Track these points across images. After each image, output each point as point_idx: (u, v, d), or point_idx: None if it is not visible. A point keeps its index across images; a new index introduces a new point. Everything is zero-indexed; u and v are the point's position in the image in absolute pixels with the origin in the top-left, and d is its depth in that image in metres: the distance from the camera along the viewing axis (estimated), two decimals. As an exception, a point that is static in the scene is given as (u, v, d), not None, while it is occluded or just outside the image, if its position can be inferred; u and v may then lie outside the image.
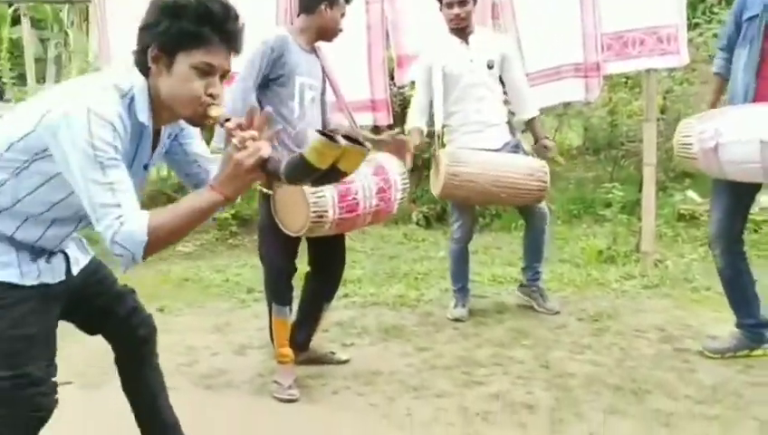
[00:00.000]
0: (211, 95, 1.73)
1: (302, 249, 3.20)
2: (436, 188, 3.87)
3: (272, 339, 3.17)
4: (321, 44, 3.17)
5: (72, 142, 1.63)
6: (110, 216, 1.63)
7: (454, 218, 4.10)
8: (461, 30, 3.90)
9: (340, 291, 4.52)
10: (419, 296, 4.41)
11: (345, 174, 1.73)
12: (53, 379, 1.87)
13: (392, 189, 3.04)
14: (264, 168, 1.67)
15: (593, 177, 7.74)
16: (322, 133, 1.65)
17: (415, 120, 3.96)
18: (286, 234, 2.94)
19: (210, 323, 3.99)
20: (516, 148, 4.00)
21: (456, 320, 3.93)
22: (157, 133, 1.85)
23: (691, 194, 6.15)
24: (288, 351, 3.06)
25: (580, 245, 5.44)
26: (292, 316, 3.19)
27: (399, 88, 5.61)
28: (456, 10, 3.84)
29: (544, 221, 4.03)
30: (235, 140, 1.67)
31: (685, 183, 6.47)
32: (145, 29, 1.73)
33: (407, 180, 3.15)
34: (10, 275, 1.79)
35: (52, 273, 1.89)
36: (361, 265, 5.20)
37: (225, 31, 1.71)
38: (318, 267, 3.29)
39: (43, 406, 1.83)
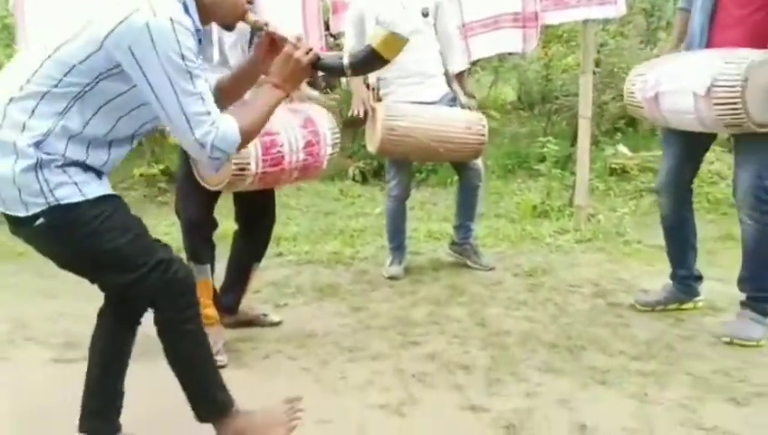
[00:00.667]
0: (249, 1, 1.86)
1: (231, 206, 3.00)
2: (372, 143, 3.69)
3: None
4: None
5: (159, 53, 1.64)
6: (205, 123, 1.72)
7: (390, 175, 3.93)
8: None
9: (275, 249, 4.38)
10: (355, 254, 4.26)
11: (387, 62, 1.96)
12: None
13: (321, 143, 2.83)
14: (315, 64, 1.89)
15: (528, 131, 7.69)
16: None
17: None
18: (205, 187, 2.71)
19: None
20: (453, 101, 3.82)
21: (392, 278, 3.80)
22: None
23: (622, 148, 6.13)
24: (212, 312, 2.85)
25: (515, 200, 5.37)
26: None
27: (335, 36, 5.36)
28: None
29: (479, 178, 3.90)
30: (289, 40, 1.87)
31: (616, 137, 6.46)
32: None
33: (338, 134, 2.95)
34: (97, 189, 1.79)
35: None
36: (296, 221, 5.02)
37: None
38: (246, 225, 3.08)
39: (187, 274, 1.92)
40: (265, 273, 3.90)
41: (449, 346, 2.90)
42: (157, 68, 1.65)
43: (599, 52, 6.33)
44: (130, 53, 1.64)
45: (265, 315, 3.19)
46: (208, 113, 1.73)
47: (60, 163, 1.72)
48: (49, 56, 1.69)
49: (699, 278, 3.21)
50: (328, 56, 1.95)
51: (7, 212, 1.77)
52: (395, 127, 3.52)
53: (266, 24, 1.91)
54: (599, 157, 6.03)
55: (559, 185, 5.54)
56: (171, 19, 1.65)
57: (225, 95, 2.04)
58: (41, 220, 1.74)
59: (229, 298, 3.07)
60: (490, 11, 4.44)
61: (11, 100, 1.70)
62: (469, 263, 3.99)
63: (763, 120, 2.64)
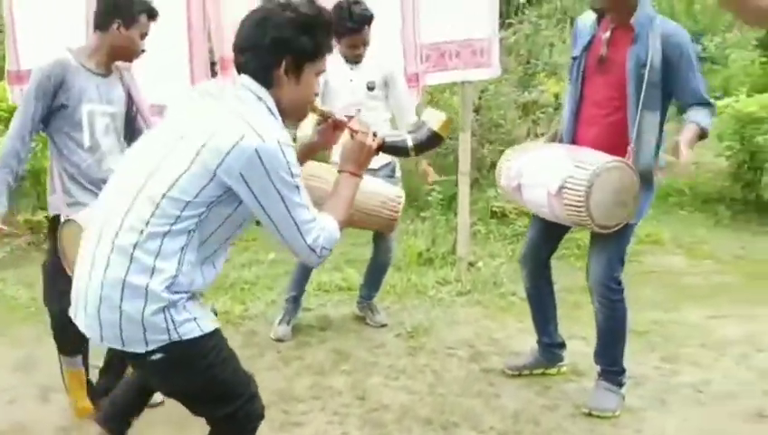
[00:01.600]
0: (315, 93, 1.94)
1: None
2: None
3: (66, 390, 2.85)
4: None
5: (271, 177, 1.72)
6: (314, 229, 1.81)
7: None
8: (356, 59, 3.77)
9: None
10: (244, 312, 4.21)
11: (444, 141, 2.23)
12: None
13: None
14: (381, 147, 2.07)
15: (417, 166, 7.78)
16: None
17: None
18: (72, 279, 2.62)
19: (11, 357, 3.55)
20: (392, 171, 3.93)
21: (279, 340, 3.79)
22: None
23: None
24: (86, 404, 2.75)
25: (402, 245, 5.44)
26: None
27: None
28: (359, 51, 3.72)
29: (389, 258, 4.04)
30: (359, 129, 2.02)
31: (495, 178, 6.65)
32: (277, 43, 1.79)
33: None
34: (210, 323, 1.85)
35: None
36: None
37: (332, 37, 1.93)
38: None
39: (261, 408, 2.01)
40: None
41: (329, 426, 2.92)
42: (269, 190, 1.74)
43: (480, 98, 6.53)
44: (242, 179, 1.71)
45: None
46: (314, 219, 1.82)
47: (185, 299, 1.77)
48: (164, 195, 1.71)
49: (562, 345, 3.37)
50: (391, 138, 2.13)
51: (125, 350, 1.80)
52: (310, 187, 3.51)
53: (333, 114, 2.07)
54: (481, 198, 6.21)
55: (445, 227, 5.67)
56: (278, 141, 1.73)
57: None
58: (159, 355, 1.78)
59: (104, 383, 2.93)
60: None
61: (136, 245, 1.71)
62: (368, 320, 4.08)
63: (606, 222, 2.77)
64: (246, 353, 3.61)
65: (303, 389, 3.24)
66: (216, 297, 4.42)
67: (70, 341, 2.74)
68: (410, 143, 2.15)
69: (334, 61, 3.80)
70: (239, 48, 1.85)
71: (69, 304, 2.64)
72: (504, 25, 6.78)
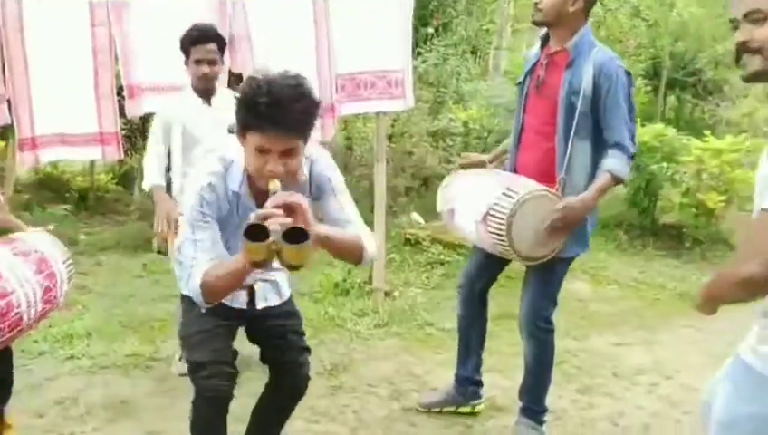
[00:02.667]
0: (270, 171, 1.87)
1: None
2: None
3: None
4: None
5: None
6: (188, 266, 2.01)
7: None
8: (205, 90, 3.43)
9: (66, 350, 3.91)
10: (154, 353, 3.91)
11: (295, 267, 1.86)
12: (225, 368, 2.28)
13: (58, 285, 2.48)
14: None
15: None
16: (252, 227, 1.76)
17: (154, 176, 3.44)
18: None
19: None
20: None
21: (183, 375, 3.51)
22: (265, 194, 1.87)
23: (415, 216, 6.28)
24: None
25: (318, 276, 5.26)
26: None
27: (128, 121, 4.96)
28: (204, 69, 3.35)
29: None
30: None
31: (410, 205, 6.60)
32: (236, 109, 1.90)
33: (71, 265, 2.65)
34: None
35: (231, 300, 2.25)
36: (92, 310, 4.52)
37: (275, 118, 1.80)
38: None
39: (208, 387, 2.26)
40: (54, 385, 3.46)
41: (246, 483, 2.70)
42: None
43: (393, 126, 6.47)
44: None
45: None
46: (194, 259, 1.97)
47: None
48: None
49: (478, 383, 3.23)
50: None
51: None
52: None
53: (274, 192, 1.87)
54: (394, 225, 6.12)
55: (359, 255, 5.54)
56: (201, 186, 2.01)
57: None
58: None
59: None
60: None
61: None
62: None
63: (530, 253, 2.69)
64: (156, 402, 3.35)
65: (220, 439, 2.99)
66: (123, 338, 4.10)
67: None
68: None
69: (192, 105, 3.44)
70: None
71: None
72: (414, 54, 6.77)
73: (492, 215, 2.67)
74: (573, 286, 5.29)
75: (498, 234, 2.65)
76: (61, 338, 4.04)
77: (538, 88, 2.81)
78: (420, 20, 7.58)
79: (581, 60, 2.68)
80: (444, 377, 3.59)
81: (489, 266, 3.07)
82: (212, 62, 3.36)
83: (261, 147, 1.85)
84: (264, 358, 2.49)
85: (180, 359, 3.60)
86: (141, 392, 3.44)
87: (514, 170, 2.92)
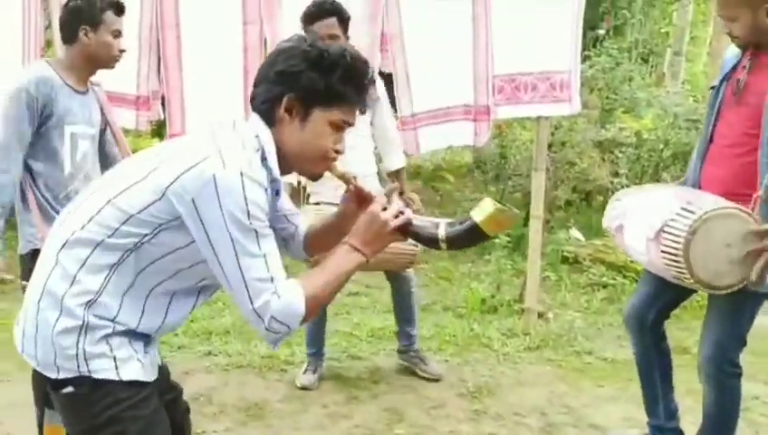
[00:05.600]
0: (337, 151, 1.64)
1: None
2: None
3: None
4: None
5: (224, 211, 1.44)
6: (267, 291, 1.47)
7: None
8: None
9: (205, 347, 4.03)
10: (289, 357, 3.91)
11: (489, 239, 1.66)
12: None
13: None
14: (405, 229, 1.64)
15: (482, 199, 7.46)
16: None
17: None
18: None
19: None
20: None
21: (304, 388, 3.50)
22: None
23: (575, 233, 5.94)
24: None
25: (462, 291, 5.08)
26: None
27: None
28: None
29: (409, 285, 3.67)
30: (378, 201, 1.65)
31: (570, 221, 6.26)
32: (283, 76, 1.56)
33: None
34: (136, 372, 1.55)
35: (153, 366, 1.63)
36: (232, 309, 4.63)
37: (364, 92, 1.61)
38: None
39: None
40: (191, 380, 3.54)
41: (379, 505, 2.58)
42: (220, 227, 1.45)
43: (553, 134, 6.16)
44: (193, 207, 1.45)
45: None
46: (270, 280, 1.47)
47: (111, 331, 1.52)
48: (108, 201, 1.51)
49: (674, 431, 2.84)
50: (421, 222, 1.68)
51: (40, 371, 1.57)
52: None
53: (355, 178, 1.73)
54: (551, 241, 5.81)
55: (509, 272, 5.31)
56: (241, 173, 1.45)
57: (313, 246, 1.86)
58: (69, 388, 1.53)
59: None
60: (440, 102, 4.18)
61: (63, 247, 1.52)
62: (417, 371, 3.71)
63: (711, 281, 2.30)
64: (288, 408, 3.32)
65: (351, 455, 2.91)
66: (259, 340, 4.14)
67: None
68: (442, 232, 1.64)
69: None
70: (255, 81, 1.63)
71: None
72: (581, 58, 6.46)
73: (667, 232, 2.36)
74: (765, 321, 4.72)
75: (673, 254, 2.33)
76: (200, 334, 4.16)
77: (737, 94, 2.48)
78: (589, 22, 7.23)
79: None
80: (608, 414, 3.30)
81: (660, 297, 2.73)
82: (333, 37, 3.30)
83: (340, 122, 1.60)
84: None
85: (305, 372, 3.57)
86: (275, 396, 3.44)
87: (698, 186, 2.60)
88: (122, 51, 2.57)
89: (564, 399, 3.48)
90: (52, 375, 1.53)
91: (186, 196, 1.45)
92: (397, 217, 1.64)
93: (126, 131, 3.38)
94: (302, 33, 3.46)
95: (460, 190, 7.98)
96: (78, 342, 1.49)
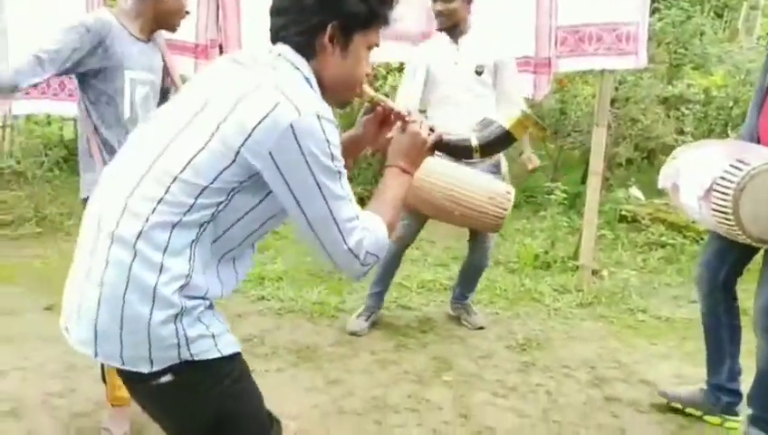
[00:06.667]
0: (368, 74, 1.61)
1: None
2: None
3: (104, 379, 2.68)
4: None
5: (307, 157, 1.39)
6: (357, 229, 1.47)
7: (403, 214, 3.69)
8: (449, 29, 3.51)
9: (258, 291, 4.15)
10: (340, 304, 4.00)
11: (515, 141, 1.83)
12: None
13: None
14: (440, 144, 1.74)
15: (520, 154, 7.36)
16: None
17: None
18: None
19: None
20: (496, 167, 3.58)
21: (354, 334, 3.59)
22: None
23: (634, 191, 5.82)
24: (124, 393, 2.59)
25: (515, 247, 5.08)
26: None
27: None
28: (438, 6, 3.45)
29: (485, 262, 3.79)
30: (411, 119, 1.69)
31: (630, 179, 6.14)
32: (323, 4, 1.49)
33: None
34: (232, 345, 1.50)
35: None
36: (284, 256, 4.75)
37: (392, 8, 1.57)
38: None
39: None
40: (244, 322, 3.67)
41: (425, 445, 2.65)
42: (304, 175, 1.40)
43: (617, 89, 6.01)
44: (271, 160, 1.38)
45: None
46: (357, 217, 1.48)
47: (202, 309, 1.45)
48: (175, 178, 1.39)
49: (735, 393, 2.80)
50: (452, 137, 1.81)
51: (125, 369, 1.45)
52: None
53: (384, 100, 1.74)
54: (609, 199, 5.72)
55: (565, 230, 5.27)
56: (318, 116, 1.39)
57: None
58: (166, 377, 1.44)
59: None
60: (501, 54, 4.12)
61: (140, 235, 1.38)
62: (462, 321, 3.81)
63: (763, 235, 2.31)
64: (338, 352, 3.41)
65: (400, 398, 2.97)
66: (310, 286, 4.25)
67: None
68: (474, 142, 1.79)
69: (438, 46, 3.57)
70: (276, 9, 1.54)
71: None
72: (650, 10, 6.25)
73: (716, 190, 2.33)
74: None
75: (723, 212, 2.32)
76: (253, 279, 4.28)
77: None
78: (660, -28, 6.97)
79: None
80: (659, 370, 3.29)
81: (730, 252, 2.68)
82: None
83: (375, 45, 1.58)
84: None
85: (358, 316, 3.65)
86: (325, 341, 3.53)
87: (756, 138, 2.54)
88: (187, 12, 2.61)
89: (615, 354, 3.48)
90: (145, 369, 1.43)
91: (262, 150, 1.38)
92: (430, 134, 1.70)
93: (183, 80, 3.46)
94: None
95: (516, 149, 7.89)
96: (177, 330, 1.42)
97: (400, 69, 5.51)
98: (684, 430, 2.80)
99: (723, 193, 2.32)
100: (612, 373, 3.27)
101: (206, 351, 1.44)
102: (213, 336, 1.45)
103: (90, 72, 2.43)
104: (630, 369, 3.32)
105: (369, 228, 1.50)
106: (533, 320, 3.91)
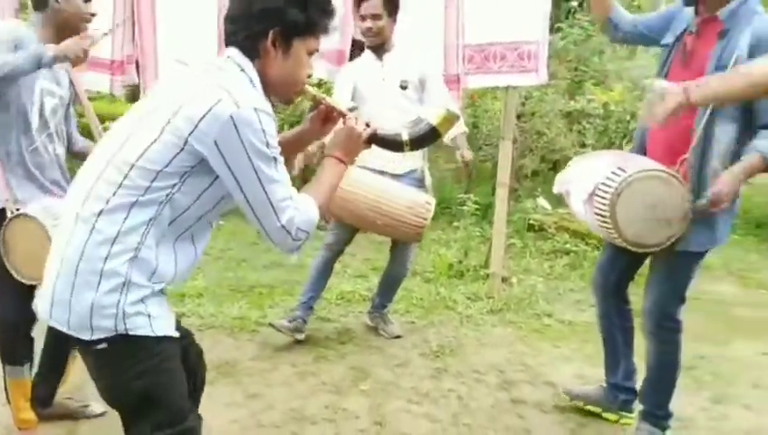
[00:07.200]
0: (309, 75, 1.84)
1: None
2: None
3: (8, 401, 2.69)
4: None
5: (245, 144, 1.61)
6: (290, 208, 1.69)
7: (331, 224, 3.78)
8: (375, 47, 3.64)
9: (179, 308, 4.15)
10: (261, 318, 4.06)
11: (441, 137, 2.10)
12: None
13: None
14: (373, 138, 1.98)
15: (452, 173, 7.59)
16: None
17: None
18: (19, 281, 2.46)
19: None
20: (420, 181, 3.72)
21: (272, 325, 3.72)
22: None
23: (541, 202, 6.11)
24: (30, 415, 2.62)
25: (431, 256, 5.26)
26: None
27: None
28: (367, 23, 3.57)
29: (404, 271, 3.92)
30: (349, 115, 1.96)
31: (537, 189, 6.43)
32: (265, 13, 1.71)
33: None
34: (167, 327, 1.68)
35: (173, 320, 1.75)
36: (205, 272, 4.77)
37: (331, 19, 1.80)
38: None
39: None
40: (163, 340, 3.68)
41: (342, 454, 2.75)
42: (243, 160, 1.62)
43: (523, 104, 6.30)
44: (215, 147, 1.61)
45: (86, 406, 2.85)
46: (290, 197, 1.71)
47: (147, 292, 1.63)
48: (132, 166, 1.61)
49: (630, 392, 2.98)
50: (385, 131, 2.05)
51: (70, 334, 1.65)
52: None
53: (324, 98, 1.97)
54: (518, 209, 5.98)
55: (477, 239, 5.49)
56: (255, 109, 1.62)
57: None
58: (102, 345, 1.64)
59: (43, 391, 2.74)
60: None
61: (100, 214, 1.61)
62: (379, 330, 3.94)
63: (639, 240, 2.49)
64: (258, 366, 3.47)
65: (317, 409, 3.07)
66: (231, 301, 4.30)
67: (16, 349, 2.63)
68: (405, 137, 2.04)
69: (364, 63, 3.69)
70: (230, 17, 1.77)
71: (17, 308, 2.50)
72: (552, 29, 6.56)
73: (598, 195, 2.53)
74: (717, 288, 4.97)
75: (602, 215, 2.51)
76: (174, 296, 4.28)
77: (684, 59, 2.61)
78: (562, -5, 7.33)
79: (737, 30, 2.45)
80: (562, 372, 3.50)
81: (620, 259, 2.87)
82: (375, 17, 3.57)
83: (314, 49, 1.81)
84: None
85: (285, 319, 3.73)
86: (245, 355, 3.59)
87: (642, 147, 2.75)
88: (93, 14, 2.62)
89: (522, 358, 3.68)
90: (86, 337, 1.62)
91: (208, 139, 1.59)
92: (365, 129, 1.95)
93: (101, 96, 3.47)
94: None
95: (432, 162, 8.10)
96: (119, 301, 1.60)
97: (319, 85, 5.62)
98: (583, 428, 3.01)
99: (602, 198, 2.49)
100: (519, 376, 3.47)
101: (140, 327, 1.62)
102: (149, 316, 1.63)
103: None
104: (536, 371, 3.53)
105: (300, 208, 1.72)
106: (447, 327, 4.08)
